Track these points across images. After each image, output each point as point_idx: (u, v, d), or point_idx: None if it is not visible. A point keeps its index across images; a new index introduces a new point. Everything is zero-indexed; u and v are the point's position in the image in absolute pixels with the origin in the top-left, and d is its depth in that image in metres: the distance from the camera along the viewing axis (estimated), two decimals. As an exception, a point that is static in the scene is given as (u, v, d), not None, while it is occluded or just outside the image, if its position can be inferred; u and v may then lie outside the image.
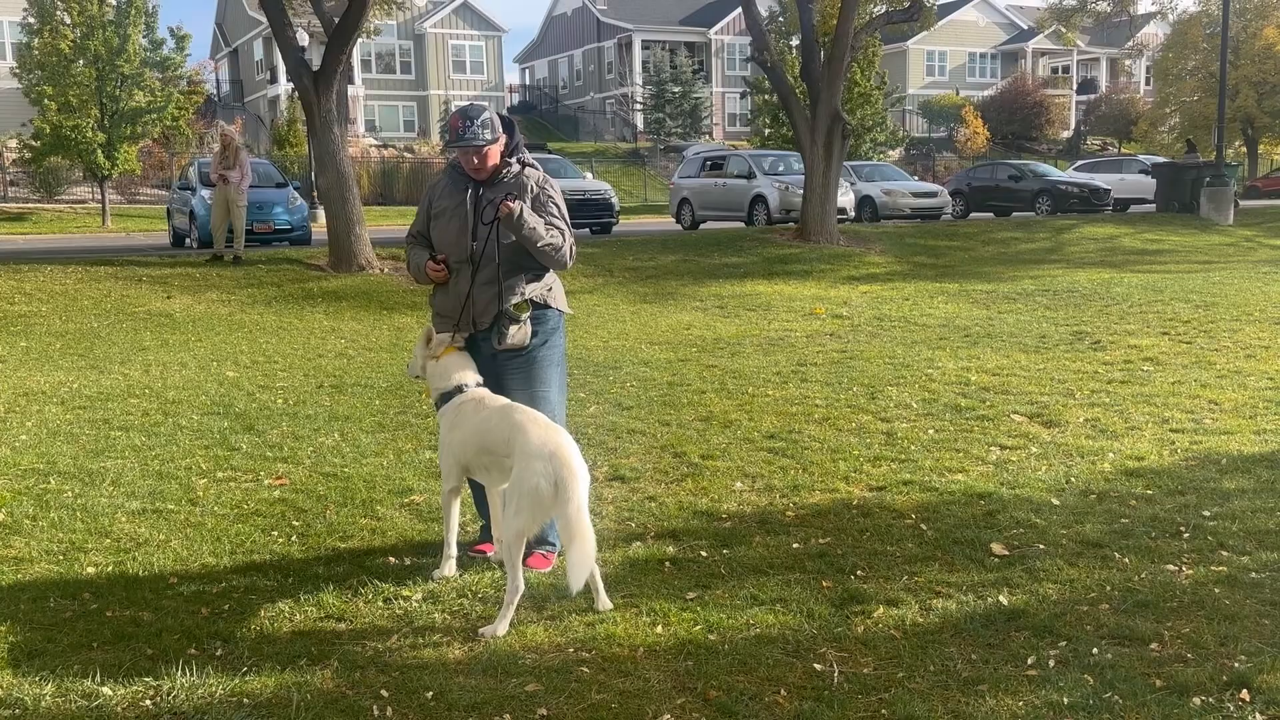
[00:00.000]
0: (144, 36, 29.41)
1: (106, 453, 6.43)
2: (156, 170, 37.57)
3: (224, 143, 16.04)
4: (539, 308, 4.50)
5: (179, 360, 9.94)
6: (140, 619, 3.96)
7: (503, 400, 4.28)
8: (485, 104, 4.59)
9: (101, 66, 28.11)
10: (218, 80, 56.57)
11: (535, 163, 4.58)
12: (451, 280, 4.47)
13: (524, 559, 4.14)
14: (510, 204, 4.24)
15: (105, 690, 3.39)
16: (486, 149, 4.36)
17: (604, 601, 4.00)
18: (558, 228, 4.41)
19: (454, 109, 4.56)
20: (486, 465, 4.24)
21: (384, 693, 3.37)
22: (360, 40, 21.23)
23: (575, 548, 3.71)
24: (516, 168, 4.48)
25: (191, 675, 3.48)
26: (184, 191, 19.97)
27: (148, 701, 3.34)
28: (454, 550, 4.39)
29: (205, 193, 17.52)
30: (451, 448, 4.29)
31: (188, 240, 19.33)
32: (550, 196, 4.48)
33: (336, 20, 15.76)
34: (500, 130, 4.41)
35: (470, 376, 4.37)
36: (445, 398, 4.36)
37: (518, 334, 4.43)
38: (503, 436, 4.05)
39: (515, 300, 4.42)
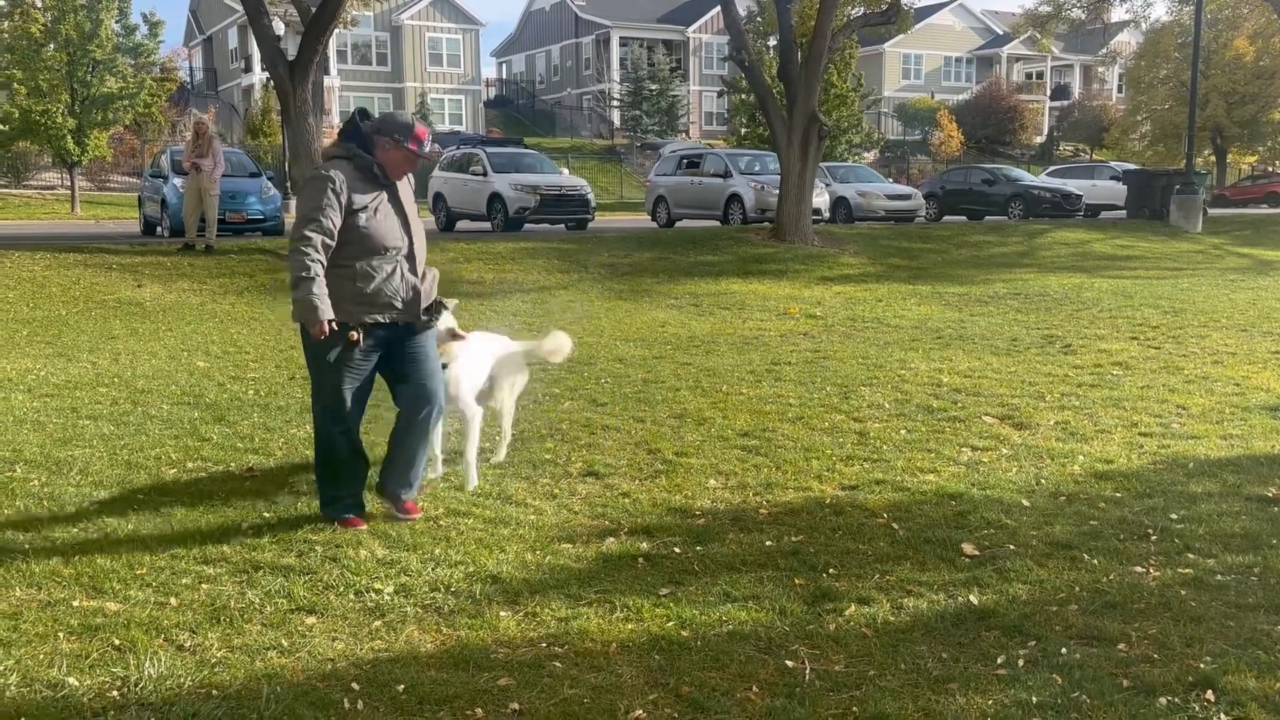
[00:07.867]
0: (116, 22, 29.13)
1: (74, 441, 6.36)
2: (128, 157, 37.22)
3: (197, 131, 15.89)
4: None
5: (149, 349, 9.84)
6: (107, 610, 3.92)
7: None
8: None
9: (73, 51, 27.80)
10: (191, 68, 56.05)
11: None
12: (394, 271, 4.80)
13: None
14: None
15: (71, 681, 3.35)
16: None
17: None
18: None
19: (416, 120, 4.88)
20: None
21: (355, 685, 3.36)
22: (337, 30, 21.10)
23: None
24: None
25: (159, 666, 3.45)
26: (156, 179, 19.75)
27: (115, 693, 3.30)
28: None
29: (177, 181, 17.36)
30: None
31: (159, 229, 19.15)
32: None
33: (313, 9, 15.64)
34: None
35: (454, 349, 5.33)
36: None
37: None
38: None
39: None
